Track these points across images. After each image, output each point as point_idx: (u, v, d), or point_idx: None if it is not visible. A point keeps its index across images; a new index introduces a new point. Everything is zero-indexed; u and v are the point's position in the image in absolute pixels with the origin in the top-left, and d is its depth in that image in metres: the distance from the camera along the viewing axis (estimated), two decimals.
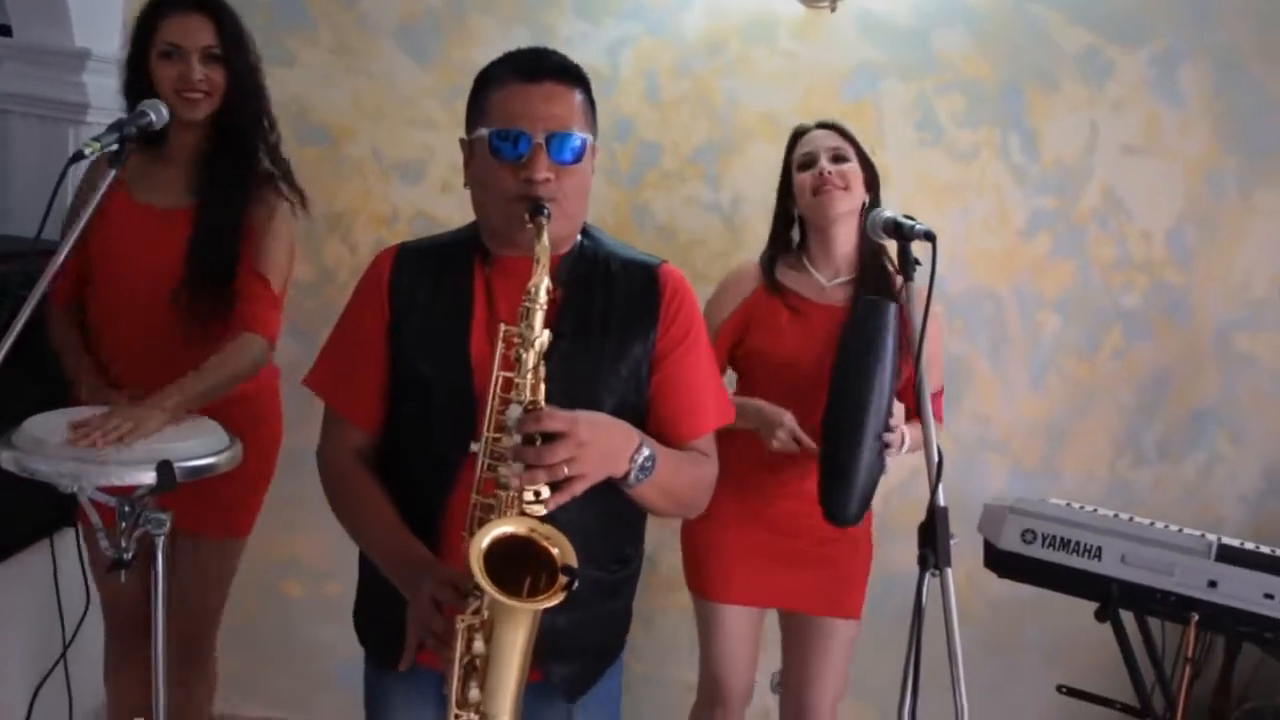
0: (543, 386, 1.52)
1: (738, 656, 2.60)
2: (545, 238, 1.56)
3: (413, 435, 1.72)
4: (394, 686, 1.79)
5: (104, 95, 2.84)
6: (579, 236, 1.75)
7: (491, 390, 1.55)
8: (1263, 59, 3.04)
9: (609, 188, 3.08)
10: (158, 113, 2.23)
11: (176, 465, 2.05)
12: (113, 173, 2.13)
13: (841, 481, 2.31)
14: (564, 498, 1.49)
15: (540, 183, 1.60)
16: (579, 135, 1.64)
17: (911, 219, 2.04)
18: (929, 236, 1.95)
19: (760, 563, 2.53)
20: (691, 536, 2.61)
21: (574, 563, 1.45)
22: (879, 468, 2.34)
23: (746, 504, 2.50)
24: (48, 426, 2.11)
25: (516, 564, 1.49)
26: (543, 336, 1.53)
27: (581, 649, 1.73)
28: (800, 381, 2.44)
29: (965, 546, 2.48)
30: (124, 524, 2.11)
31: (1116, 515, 2.44)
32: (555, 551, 1.47)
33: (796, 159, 2.54)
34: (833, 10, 2.99)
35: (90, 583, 2.60)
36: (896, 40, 3.06)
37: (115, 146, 2.14)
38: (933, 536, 1.84)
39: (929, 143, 3.10)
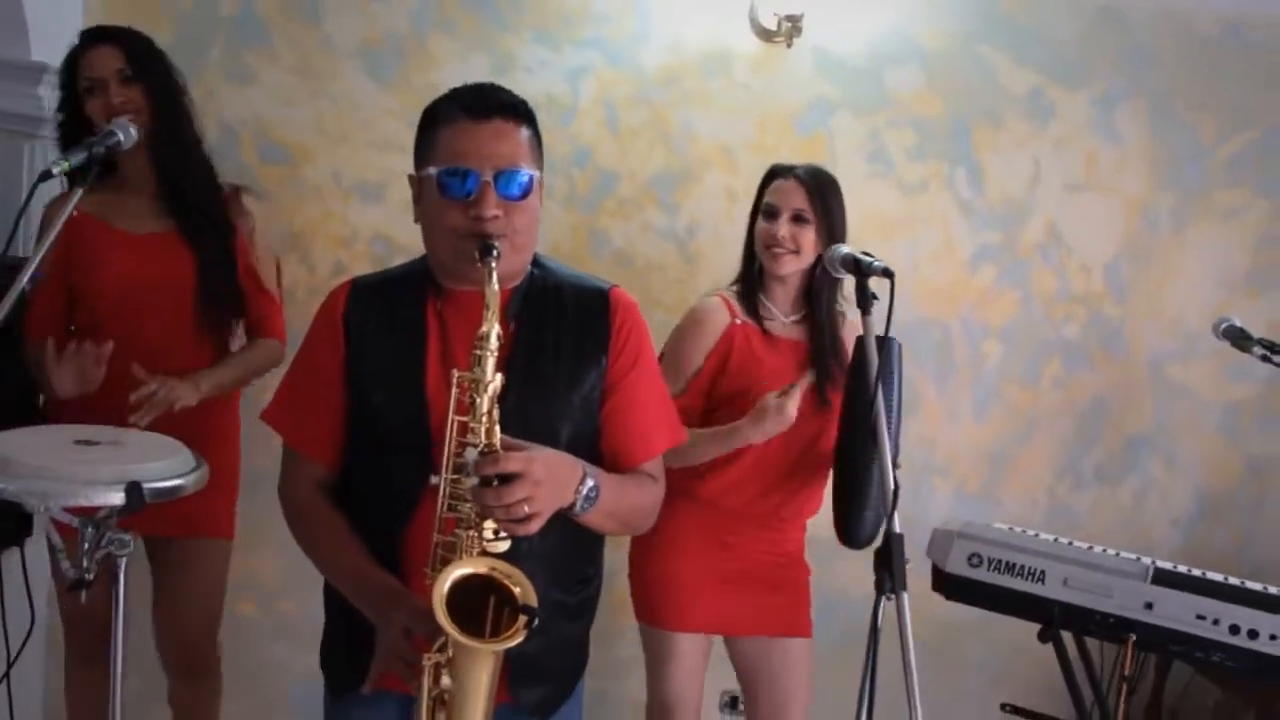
0: (497, 429, 1.56)
1: (692, 685, 2.61)
2: (495, 282, 1.58)
3: (371, 468, 1.75)
4: (353, 712, 1.80)
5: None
6: (530, 267, 1.78)
7: (448, 435, 1.58)
8: (1192, 105, 3.20)
9: (567, 212, 3.13)
10: (125, 133, 2.24)
11: (145, 486, 2.05)
12: (79, 192, 2.14)
13: (857, 507, 2.35)
14: (520, 531, 1.54)
15: (489, 220, 1.62)
16: (526, 171, 1.67)
17: (869, 255, 2.11)
18: (887, 273, 2.00)
19: (717, 590, 2.54)
20: (644, 568, 2.60)
21: (534, 601, 1.50)
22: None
23: (702, 532, 2.53)
24: (13, 444, 2.09)
25: (480, 598, 1.55)
26: (495, 381, 1.57)
27: (549, 672, 1.77)
28: None
29: (910, 568, 2.57)
30: (86, 545, 2.10)
31: (1059, 540, 2.53)
32: (517, 590, 1.52)
33: (763, 204, 2.55)
34: (789, 46, 3.07)
35: (35, 604, 2.57)
36: (850, 77, 3.15)
37: (83, 165, 2.15)
38: (889, 561, 1.91)
39: (880, 175, 3.20)
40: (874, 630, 1.96)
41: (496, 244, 1.61)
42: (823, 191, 2.52)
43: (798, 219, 2.48)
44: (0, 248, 2.11)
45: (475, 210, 1.63)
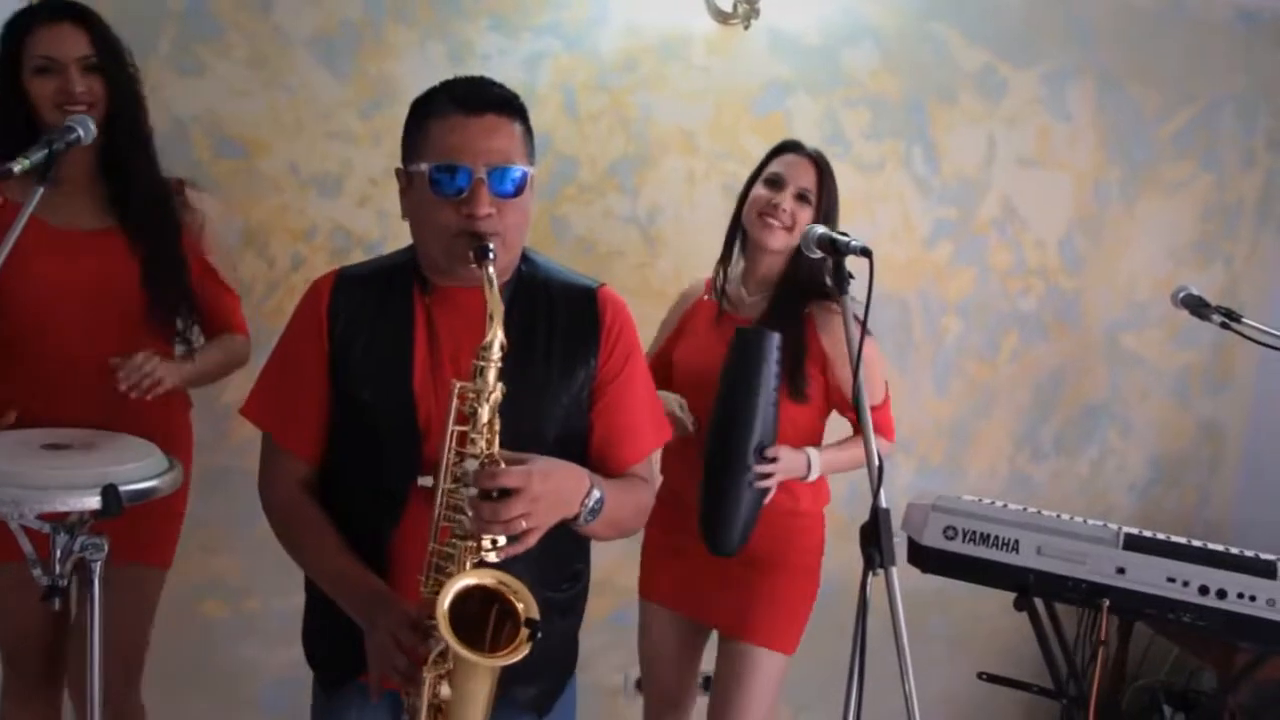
0: (497, 440, 1.55)
1: (656, 658, 2.62)
2: (497, 290, 1.54)
3: (358, 466, 1.72)
4: (345, 708, 1.78)
5: None
6: (520, 265, 1.75)
7: (447, 444, 1.56)
8: (1136, 79, 3.28)
9: None
10: (85, 129, 2.15)
11: (121, 489, 2.00)
12: (39, 191, 2.07)
13: (719, 513, 2.32)
14: (519, 549, 1.53)
15: (482, 218, 1.59)
16: (520, 168, 1.63)
17: (846, 235, 2.11)
18: (865, 252, 2.00)
19: (681, 567, 2.51)
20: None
21: (536, 614, 1.50)
22: (759, 498, 2.33)
23: (669, 515, 2.45)
24: None
25: (480, 608, 1.54)
26: (497, 391, 1.55)
27: (543, 669, 1.76)
28: (702, 388, 2.41)
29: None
30: (59, 551, 2.06)
31: (1031, 510, 2.59)
32: (520, 606, 1.51)
33: (767, 171, 2.48)
34: (746, 28, 3.08)
35: None
36: (806, 57, 3.17)
37: (43, 163, 2.08)
38: (876, 536, 1.94)
39: (838, 155, 3.17)
40: (862, 605, 1.98)
41: (491, 244, 1.58)
42: (829, 176, 2.49)
43: (801, 197, 2.44)
44: None
45: (468, 208, 1.59)
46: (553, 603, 1.76)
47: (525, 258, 1.77)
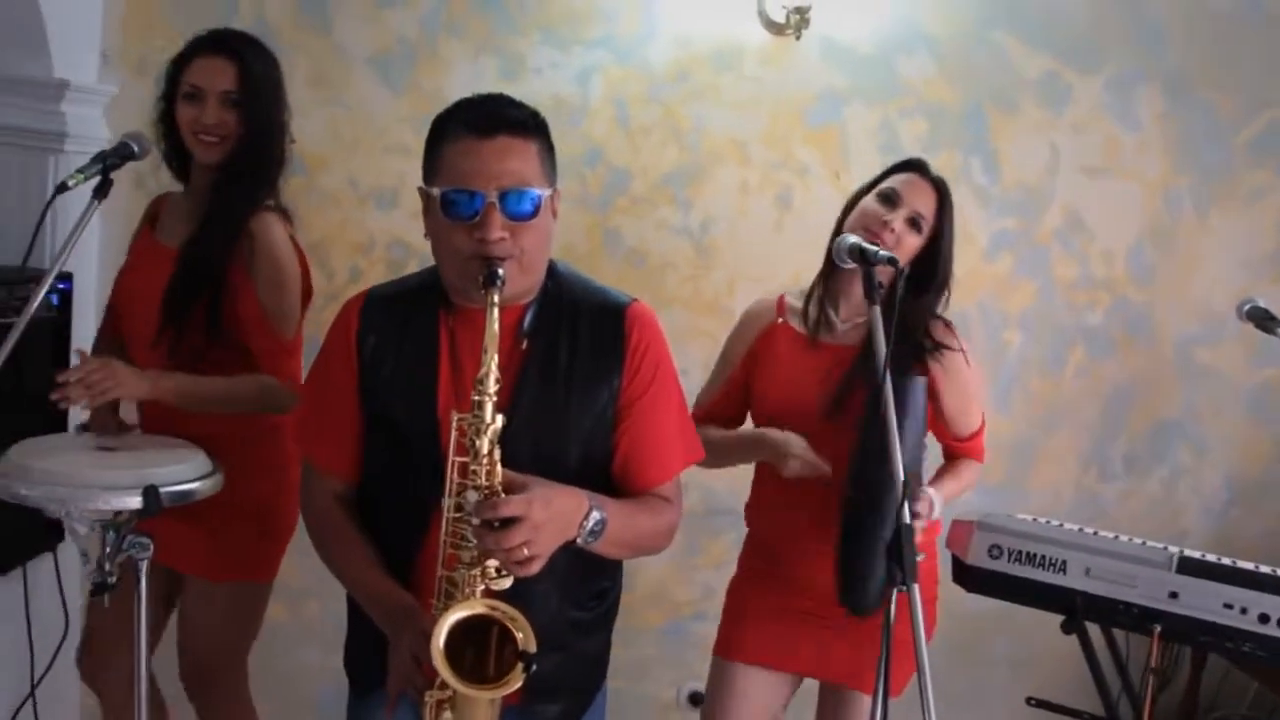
0: (498, 469, 1.55)
1: (738, 717, 2.39)
2: (495, 323, 1.54)
3: (388, 482, 1.75)
4: (375, 707, 1.81)
5: (83, 124, 2.87)
6: (545, 280, 1.74)
7: (448, 475, 1.57)
8: (1209, 84, 3.16)
9: (580, 213, 3.13)
10: (140, 144, 2.26)
11: (161, 490, 2.08)
12: (97, 203, 2.17)
13: (860, 577, 2.12)
14: (523, 572, 1.53)
15: (494, 242, 1.58)
16: (535, 190, 1.61)
17: (875, 245, 2.09)
18: (892, 262, 1.98)
19: (776, 624, 2.34)
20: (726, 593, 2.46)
21: (533, 647, 1.50)
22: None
23: (764, 562, 2.38)
24: (35, 452, 2.14)
25: (485, 634, 1.56)
26: (495, 423, 1.55)
27: (567, 688, 1.77)
28: (796, 420, 2.26)
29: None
30: (107, 548, 2.14)
31: (1081, 529, 2.50)
32: (519, 636, 1.52)
33: (883, 185, 2.29)
34: (798, 38, 3.06)
35: (69, 610, 2.62)
36: (860, 66, 3.14)
37: (98, 178, 2.18)
38: (899, 553, 1.89)
39: None
40: (886, 623, 1.94)
41: (501, 270, 1.57)
42: (948, 207, 2.29)
43: (914, 221, 2.24)
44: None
45: (480, 233, 1.58)
46: (579, 622, 1.77)
47: (553, 273, 1.76)
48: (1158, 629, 2.33)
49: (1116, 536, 2.48)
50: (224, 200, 2.33)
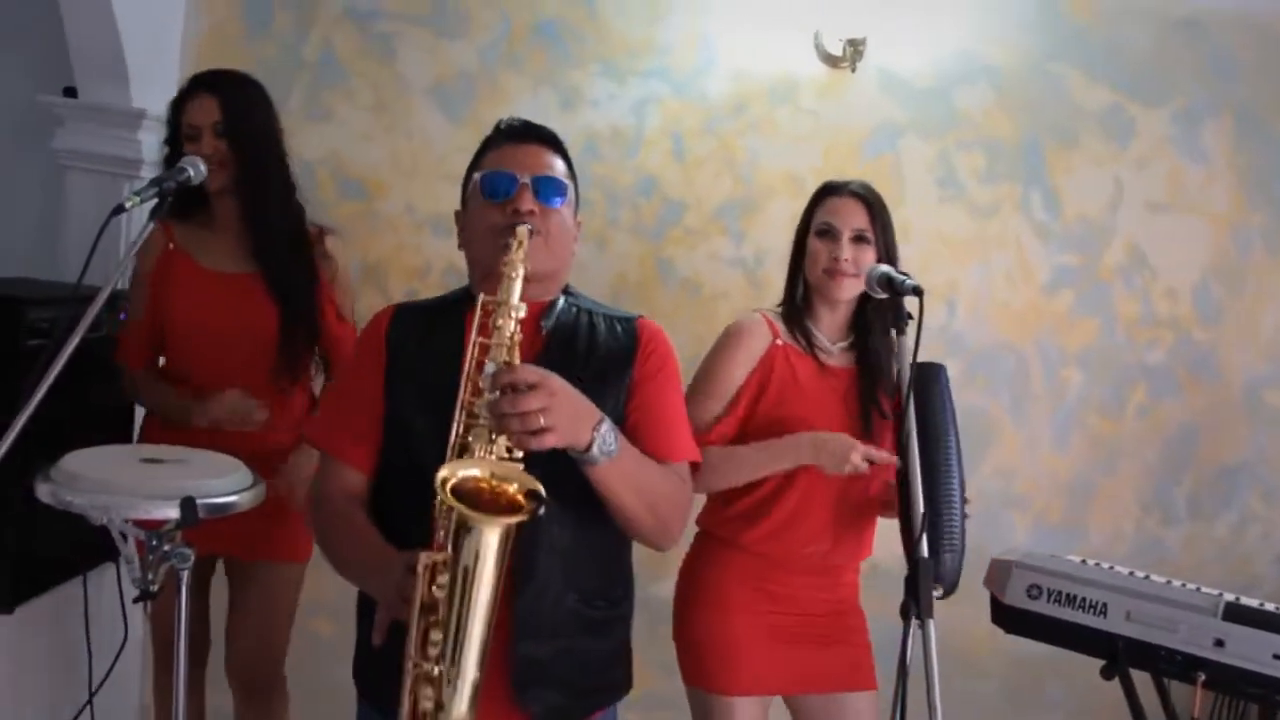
0: (518, 351, 1.59)
1: None
2: (525, 240, 1.65)
3: (404, 486, 1.76)
4: None
5: (157, 152, 2.99)
6: (562, 296, 1.83)
7: (469, 355, 1.62)
8: None
9: (634, 242, 3.16)
10: (195, 169, 2.35)
11: (199, 502, 2.15)
12: (151, 225, 2.27)
13: (951, 554, 2.22)
14: (537, 445, 1.51)
15: (526, 213, 1.71)
16: (565, 183, 1.78)
17: (904, 274, 2.07)
18: (917, 291, 1.97)
19: (774, 648, 2.37)
20: (690, 626, 2.43)
21: (540, 490, 1.46)
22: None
23: (748, 584, 2.38)
24: (84, 462, 2.23)
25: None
26: (521, 309, 1.60)
27: (562, 681, 1.73)
28: None
29: (984, 601, 2.49)
30: (150, 557, 2.22)
31: (1131, 573, 2.41)
32: (517, 486, 1.47)
33: (816, 222, 2.40)
34: (853, 70, 3.06)
35: (129, 617, 2.71)
36: (917, 99, 3.12)
37: (155, 200, 2.28)
38: (914, 588, 1.87)
39: (950, 199, 3.14)
40: (902, 661, 1.91)
41: (529, 225, 1.69)
42: (881, 212, 2.40)
43: (859, 239, 2.35)
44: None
45: (513, 205, 1.71)
46: (582, 615, 1.75)
47: (570, 290, 1.86)
48: (1202, 677, 2.24)
49: (1169, 581, 2.39)
50: (266, 224, 2.57)
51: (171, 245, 2.62)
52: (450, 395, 1.72)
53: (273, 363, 2.56)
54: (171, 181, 2.32)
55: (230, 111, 2.56)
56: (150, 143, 3.02)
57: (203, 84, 2.58)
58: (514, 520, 1.45)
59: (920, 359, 2.06)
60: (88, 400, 2.55)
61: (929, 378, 2.26)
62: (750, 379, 2.36)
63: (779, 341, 2.39)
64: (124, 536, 2.23)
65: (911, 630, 1.90)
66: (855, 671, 2.41)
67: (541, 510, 1.45)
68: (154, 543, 2.20)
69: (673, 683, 3.22)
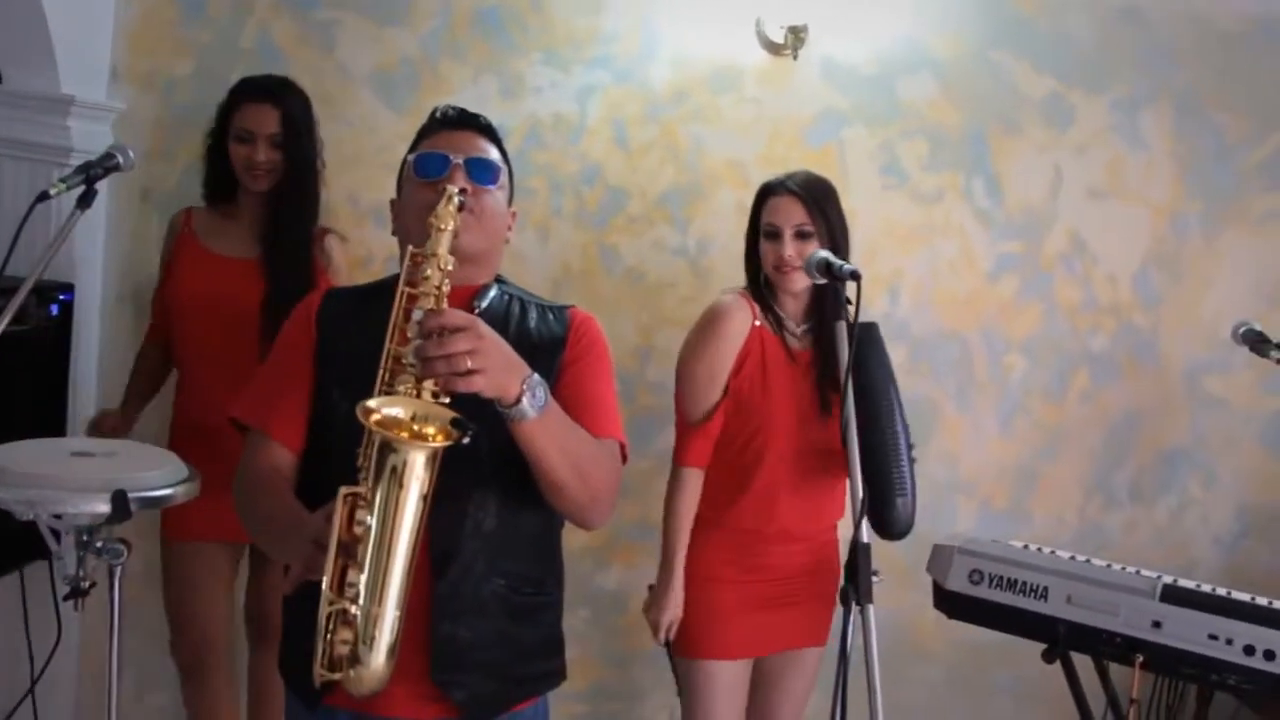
0: (445, 301, 1.57)
1: (736, 711, 2.58)
2: (454, 197, 1.62)
3: (329, 466, 1.69)
4: None
5: (89, 139, 2.94)
6: (495, 285, 1.83)
7: (396, 305, 1.60)
8: (1221, 106, 3.09)
9: (577, 230, 3.14)
10: (125, 156, 2.32)
11: (131, 495, 2.11)
12: (79, 213, 2.23)
13: (902, 499, 2.41)
14: (464, 388, 1.47)
15: (458, 191, 1.68)
16: (499, 165, 1.81)
17: (841, 260, 2.10)
18: (855, 276, 2.00)
19: (757, 613, 2.52)
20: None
21: (463, 420, 1.47)
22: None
23: (732, 557, 2.52)
24: (10, 456, 2.18)
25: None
26: (448, 260, 1.58)
27: (483, 666, 1.70)
28: (799, 422, 2.49)
29: (929, 587, 2.51)
30: (82, 553, 2.17)
31: (1073, 557, 2.44)
32: (442, 419, 1.47)
33: (762, 224, 2.52)
34: (795, 58, 3.05)
35: (61, 615, 2.67)
36: (860, 87, 3.12)
37: (82, 187, 2.24)
38: (854, 573, 1.87)
39: (893, 187, 3.15)
40: (843, 646, 1.92)
41: (463, 199, 1.67)
42: (820, 202, 2.48)
43: (801, 235, 2.46)
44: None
45: (446, 183, 1.69)
46: (502, 599, 1.72)
47: (502, 279, 1.87)
48: (1140, 659, 2.27)
49: (1109, 565, 2.42)
50: (287, 223, 2.74)
51: (186, 230, 2.81)
52: (374, 376, 1.69)
53: (259, 345, 2.55)
54: (99, 169, 2.28)
55: (290, 127, 2.71)
56: (80, 130, 2.95)
57: (266, 92, 2.72)
58: (439, 445, 1.45)
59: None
60: (13, 393, 2.49)
61: (866, 338, 2.40)
62: (742, 361, 2.47)
63: (757, 322, 2.50)
64: (54, 533, 2.18)
65: (851, 616, 1.91)
66: (814, 628, 2.60)
67: (466, 439, 1.45)
68: (85, 538, 2.16)
69: (623, 675, 3.24)
